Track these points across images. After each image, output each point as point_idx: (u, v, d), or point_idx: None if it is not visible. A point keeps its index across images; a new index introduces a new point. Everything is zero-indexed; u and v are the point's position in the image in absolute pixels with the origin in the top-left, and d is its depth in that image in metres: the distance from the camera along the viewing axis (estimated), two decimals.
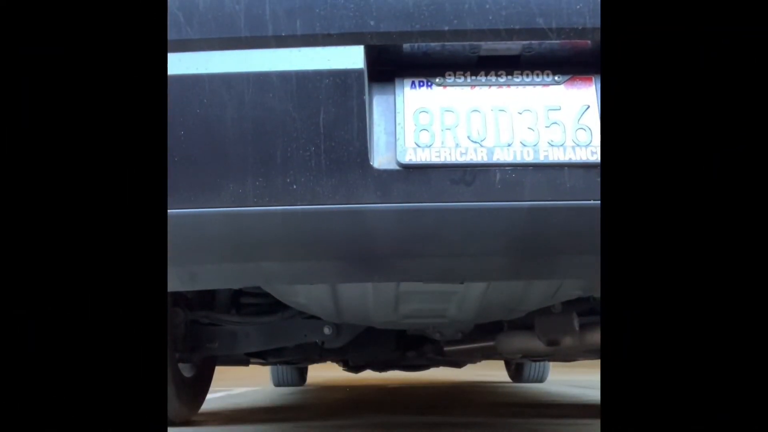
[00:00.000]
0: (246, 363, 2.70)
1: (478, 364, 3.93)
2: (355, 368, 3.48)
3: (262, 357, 2.51)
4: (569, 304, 1.85)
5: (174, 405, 1.96)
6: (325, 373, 6.63)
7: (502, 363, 5.26)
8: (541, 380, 5.02)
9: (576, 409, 2.63)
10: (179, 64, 1.09)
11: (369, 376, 6.47)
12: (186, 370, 2.11)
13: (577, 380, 5.49)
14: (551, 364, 5.11)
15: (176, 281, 1.28)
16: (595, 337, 1.92)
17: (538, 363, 4.75)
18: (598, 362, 3.14)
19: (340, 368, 3.72)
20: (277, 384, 4.98)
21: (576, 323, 1.84)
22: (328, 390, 4.73)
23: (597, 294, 1.72)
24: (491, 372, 6.38)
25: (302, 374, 5.14)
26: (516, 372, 5.17)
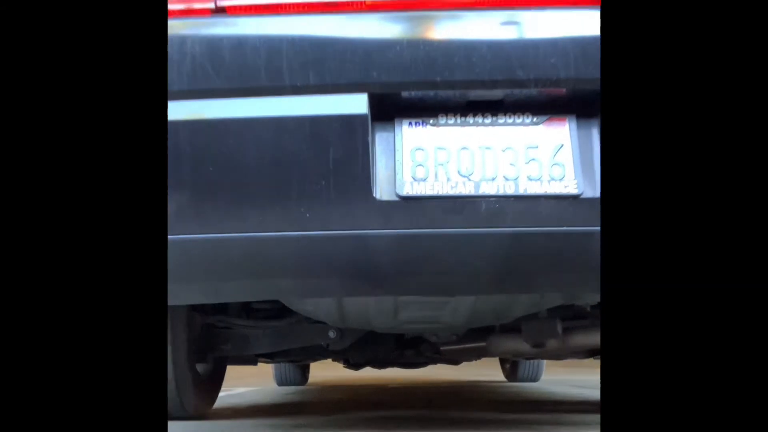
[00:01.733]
0: (255, 362, 2.87)
1: (475, 365, 4.09)
2: (356, 365, 3.64)
3: (270, 356, 2.69)
4: (554, 310, 2.01)
5: (192, 400, 2.13)
6: (326, 372, 6.80)
7: (497, 363, 5.43)
8: (535, 379, 5.20)
9: (567, 405, 2.80)
10: (209, 109, 1.26)
11: (369, 375, 6.64)
12: (202, 369, 2.28)
13: (571, 380, 5.66)
14: (547, 364, 5.25)
15: (200, 295, 1.46)
16: (577, 339, 2.09)
17: (532, 363, 4.93)
18: (591, 362, 3.28)
19: (341, 366, 3.87)
20: (280, 383, 5.15)
21: (559, 327, 2.01)
22: (329, 389, 4.89)
23: (578, 302, 1.90)
24: (488, 372, 6.54)
25: (304, 373, 5.32)
26: (511, 371, 5.35)
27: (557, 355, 2.85)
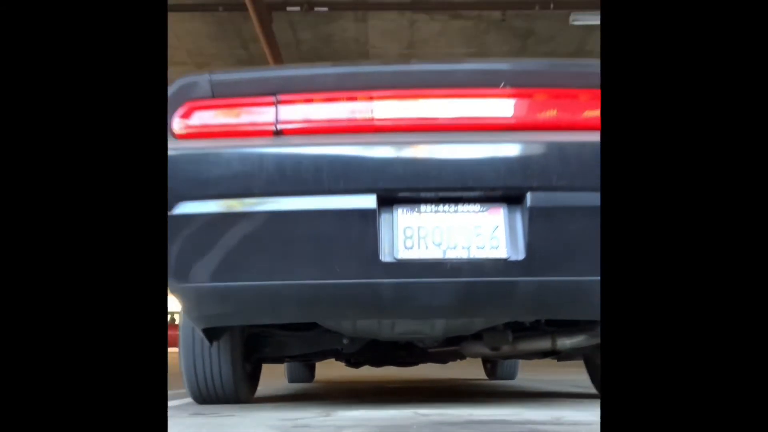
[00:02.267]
0: (283, 361, 3.71)
1: (462, 365, 4.84)
2: (356, 364, 4.39)
3: (293, 357, 3.42)
4: (507, 324, 2.67)
5: (243, 390, 2.85)
6: (328, 371, 7.49)
7: (481, 363, 6.22)
8: (511, 378, 5.95)
9: (529, 396, 3.49)
10: (273, 204, 1.99)
11: (368, 374, 7.33)
12: (247, 368, 2.99)
13: (545, 379, 6.35)
14: (546, 365, 5.90)
15: (271, 318, 2.24)
16: (524, 345, 2.79)
17: (509, 363, 5.69)
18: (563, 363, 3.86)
19: (342, 365, 4.60)
20: (291, 380, 5.90)
21: (510, 336, 2.74)
22: (334, 384, 5.61)
23: (521, 319, 2.59)
24: (474, 371, 7.23)
25: (312, 372, 6.09)
26: (491, 371, 6.10)
27: (512, 356, 3.57)
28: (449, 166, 2.01)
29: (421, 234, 2.01)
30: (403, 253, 1.99)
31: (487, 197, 2.03)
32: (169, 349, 26.84)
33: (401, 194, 2.03)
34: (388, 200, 2.02)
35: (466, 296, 2.01)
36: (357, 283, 1.99)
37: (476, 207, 2.03)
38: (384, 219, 2.02)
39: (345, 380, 6.90)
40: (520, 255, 1.98)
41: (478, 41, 7.53)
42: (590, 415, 2.38)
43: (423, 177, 2.00)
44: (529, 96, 2.15)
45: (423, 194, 2.03)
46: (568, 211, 2.02)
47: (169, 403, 2.78)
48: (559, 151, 2.05)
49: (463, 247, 1.99)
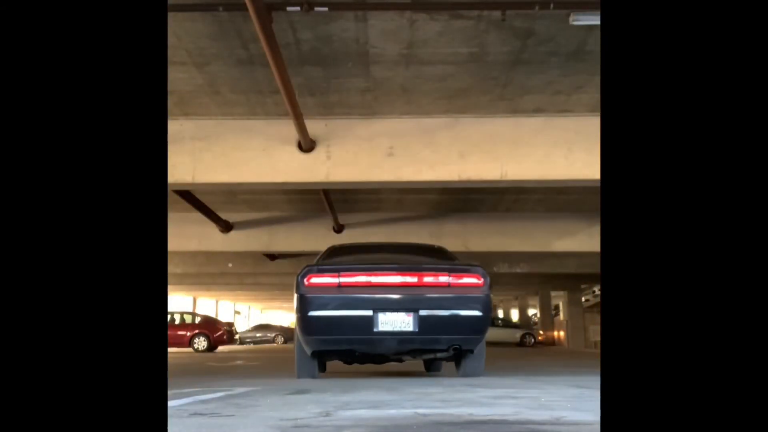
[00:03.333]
0: (333, 360, 8.38)
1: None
2: (350, 363, 8.36)
3: (333, 358, 8.21)
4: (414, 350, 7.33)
5: (319, 370, 7.89)
6: (331, 368, 7.76)
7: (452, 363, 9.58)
8: (477, 374, 7.49)
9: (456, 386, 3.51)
10: (338, 312, 7.38)
11: (366, 370, 7.44)
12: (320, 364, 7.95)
13: (546, 379, 6.36)
14: (545, 365, 8.67)
15: (334, 347, 7.70)
16: (424, 356, 7.81)
17: (474, 363, 7.61)
18: (589, 362, 3.97)
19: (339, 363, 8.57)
20: (299, 376, 7.59)
21: (415, 355, 7.80)
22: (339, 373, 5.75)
23: (418, 351, 7.55)
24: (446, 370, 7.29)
25: (324, 366, 8.57)
26: (457, 367, 8.12)
27: (417, 357, 8.03)
28: (396, 301, 7.33)
29: (386, 321, 7.26)
30: (380, 328, 7.26)
31: (407, 310, 7.24)
32: (170, 350, 26.88)
33: (379, 309, 7.20)
34: (375, 311, 7.23)
35: (400, 342, 7.35)
36: (365, 338, 7.31)
37: (404, 314, 7.23)
38: (374, 317, 7.24)
39: (348, 371, 7.06)
40: (417, 329, 7.19)
41: (478, 41, 7.54)
42: (590, 415, 2.39)
43: (387, 303, 7.29)
44: (420, 275, 7.40)
45: (387, 309, 7.22)
46: (434, 316, 7.20)
47: (169, 403, 2.78)
48: (431, 297, 7.28)
49: (400, 327, 7.20)
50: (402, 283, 7.24)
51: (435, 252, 8.36)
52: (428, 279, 7.27)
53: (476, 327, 7.11)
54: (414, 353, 7.47)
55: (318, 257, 8.12)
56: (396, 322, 7.05)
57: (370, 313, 7.06)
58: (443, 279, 7.21)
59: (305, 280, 7.27)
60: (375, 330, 7.02)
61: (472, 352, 7.41)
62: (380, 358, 7.65)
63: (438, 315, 7.15)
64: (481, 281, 7.17)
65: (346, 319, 7.12)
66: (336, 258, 8.04)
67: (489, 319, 7.29)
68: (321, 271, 7.35)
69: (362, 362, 7.78)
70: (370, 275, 7.30)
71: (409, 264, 7.61)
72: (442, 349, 7.30)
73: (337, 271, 7.33)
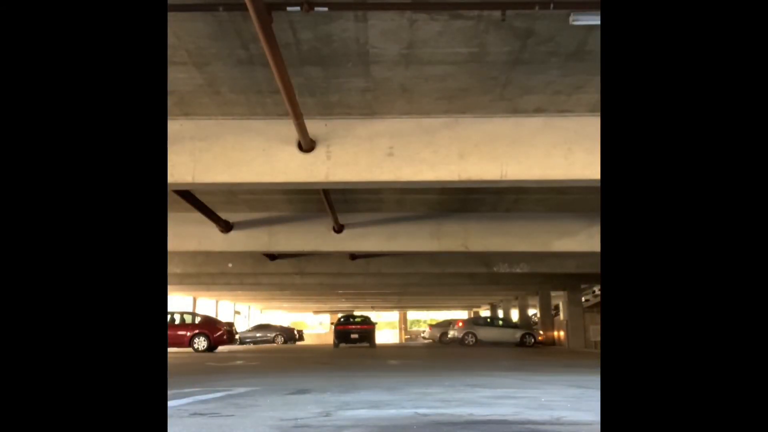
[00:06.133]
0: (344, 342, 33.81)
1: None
2: (337, 344, 30.11)
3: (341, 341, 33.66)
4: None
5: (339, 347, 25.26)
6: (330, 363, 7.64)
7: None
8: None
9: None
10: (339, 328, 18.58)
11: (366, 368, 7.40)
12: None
13: (545, 379, 6.38)
14: (546, 364, 7.63)
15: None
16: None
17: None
18: (588, 362, 4.00)
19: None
20: (336, 345, 17.98)
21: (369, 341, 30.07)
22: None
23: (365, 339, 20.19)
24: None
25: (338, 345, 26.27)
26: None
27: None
28: (355, 331, 33.45)
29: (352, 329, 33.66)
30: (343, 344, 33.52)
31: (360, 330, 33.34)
32: (170, 350, 26.94)
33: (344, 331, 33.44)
34: (340, 341, 34.22)
35: (359, 335, 33.00)
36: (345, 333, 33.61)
37: (360, 328, 33.90)
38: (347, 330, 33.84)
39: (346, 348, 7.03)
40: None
41: (478, 41, 7.54)
42: (590, 415, 2.39)
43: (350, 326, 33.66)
44: (372, 326, 34.11)
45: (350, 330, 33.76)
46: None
47: (169, 403, 2.77)
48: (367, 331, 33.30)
49: (358, 332, 33.74)
50: (358, 327, 20.48)
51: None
52: None
53: None
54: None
55: None
56: (355, 330, 18.24)
57: (345, 330, 24.03)
58: None
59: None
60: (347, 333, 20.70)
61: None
62: (349, 340, 15.00)
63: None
64: None
65: (340, 331, 18.51)
66: None
67: None
68: (340, 322, 21.89)
69: (342, 343, 19.22)
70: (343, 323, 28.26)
71: None
72: None
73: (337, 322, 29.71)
